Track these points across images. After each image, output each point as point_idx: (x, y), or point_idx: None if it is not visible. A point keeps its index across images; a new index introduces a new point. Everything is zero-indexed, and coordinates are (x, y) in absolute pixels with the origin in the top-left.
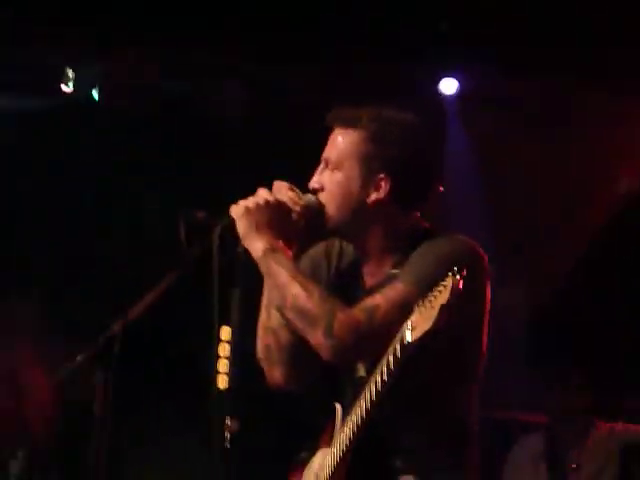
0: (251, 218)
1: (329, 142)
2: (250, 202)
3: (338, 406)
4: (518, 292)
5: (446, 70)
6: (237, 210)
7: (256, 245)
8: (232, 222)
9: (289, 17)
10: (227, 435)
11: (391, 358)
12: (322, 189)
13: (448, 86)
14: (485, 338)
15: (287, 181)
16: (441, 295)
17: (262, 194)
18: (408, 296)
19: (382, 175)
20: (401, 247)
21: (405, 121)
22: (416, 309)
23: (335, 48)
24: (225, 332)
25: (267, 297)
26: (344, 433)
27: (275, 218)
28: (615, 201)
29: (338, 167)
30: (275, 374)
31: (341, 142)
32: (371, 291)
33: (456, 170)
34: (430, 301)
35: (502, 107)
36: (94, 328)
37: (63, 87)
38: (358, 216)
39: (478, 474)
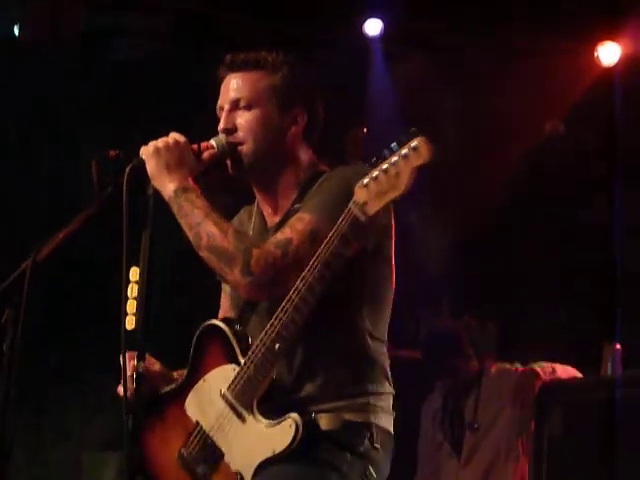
0: (161, 158)
1: (229, 86)
2: (160, 142)
3: (219, 323)
4: (443, 233)
5: (371, 10)
6: (147, 150)
7: (167, 185)
8: (143, 162)
9: None
10: (135, 375)
11: (337, 243)
12: (235, 129)
13: (372, 27)
14: (393, 268)
15: (204, 125)
16: (409, 159)
17: (173, 135)
18: (315, 224)
19: (299, 108)
20: (300, 183)
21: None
22: (357, 189)
23: None
24: (134, 273)
25: None
26: (265, 341)
27: (186, 158)
28: (538, 142)
29: (253, 105)
30: None
31: (251, 82)
32: (275, 228)
33: (380, 111)
34: (385, 170)
35: (426, 48)
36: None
37: None
38: (276, 150)
39: (391, 417)
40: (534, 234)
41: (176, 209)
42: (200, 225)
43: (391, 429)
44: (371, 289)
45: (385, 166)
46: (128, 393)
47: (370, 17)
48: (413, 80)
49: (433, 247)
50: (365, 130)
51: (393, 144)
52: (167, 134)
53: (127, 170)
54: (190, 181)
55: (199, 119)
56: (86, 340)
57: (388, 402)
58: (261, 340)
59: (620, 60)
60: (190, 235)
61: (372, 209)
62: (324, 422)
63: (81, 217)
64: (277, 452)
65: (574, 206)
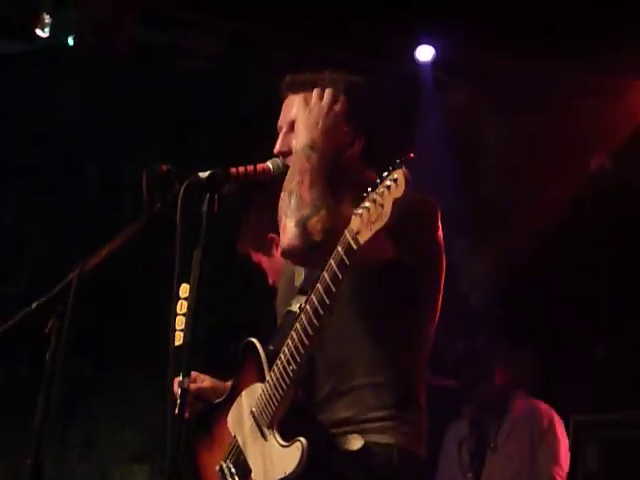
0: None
1: (287, 107)
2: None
3: (255, 341)
4: (487, 265)
5: (423, 37)
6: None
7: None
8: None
9: None
10: (180, 391)
11: (336, 268)
12: (290, 151)
13: (424, 53)
14: (437, 305)
15: (255, 144)
16: (391, 191)
17: None
18: None
19: (355, 130)
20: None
21: (370, 82)
22: (353, 217)
23: (313, 14)
24: (184, 290)
25: None
26: (283, 362)
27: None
28: (584, 177)
29: None
30: None
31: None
32: None
33: (429, 138)
34: (374, 201)
35: (477, 78)
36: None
37: (39, 32)
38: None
39: (423, 442)
40: (578, 270)
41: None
42: (300, 174)
43: (418, 452)
44: (408, 322)
45: (374, 196)
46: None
47: (422, 44)
48: (461, 109)
49: (475, 279)
50: (412, 155)
51: (384, 174)
52: (218, 152)
53: (184, 186)
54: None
55: (250, 138)
56: (116, 353)
57: (417, 426)
58: (280, 360)
59: None
60: (289, 178)
61: (363, 238)
62: (345, 443)
63: (129, 231)
64: (287, 473)
65: (619, 242)
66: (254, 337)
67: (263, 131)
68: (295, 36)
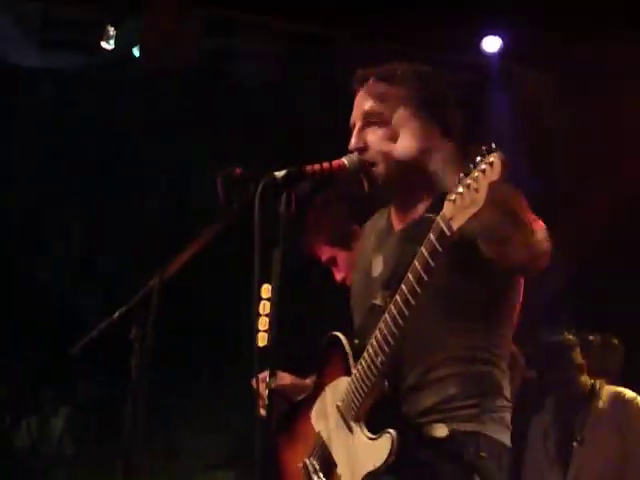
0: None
1: (360, 102)
2: None
3: (340, 335)
4: (566, 252)
5: (490, 28)
6: None
7: None
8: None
9: None
10: (267, 392)
11: (428, 256)
12: (366, 147)
13: (491, 44)
14: (522, 287)
15: (321, 143)
16: (486, 174)
17: None
18: None
19: (431, 121)
20: (435, 193)
21: (441, 73)
22: (446, 203)
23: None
24: (265, 290)
25: None
26: (370, 354)
27: None
28: None
29: (385, 120)
30: None
31: (382, 97)
32: (401, 234)
33: (498, 128)
34: (467, 186)
35: (546, 66)
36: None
37: (104, 44)
38: (409, 167)
39: (509, 431)
40: None
41: None
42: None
43: (504, 440)
44: (491, 308)
45: (468, 181)
46: (261, 410)
47: (489, 34)
48: (531, 97)
49: (554, 265)
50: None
51: (478, 159)
52: (281, 154)
53: (261, 186)
54: None
55: (312, 138)
56: (198, 359)
57: (501, 415)
58: (367, 353)
59: None
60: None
61: (456, 224)
62: (430, 432)
63: (207, 234)
64: (377, 466)
65: None
66: (335, 332)
67: (329, 129)
68: (360, 32)
